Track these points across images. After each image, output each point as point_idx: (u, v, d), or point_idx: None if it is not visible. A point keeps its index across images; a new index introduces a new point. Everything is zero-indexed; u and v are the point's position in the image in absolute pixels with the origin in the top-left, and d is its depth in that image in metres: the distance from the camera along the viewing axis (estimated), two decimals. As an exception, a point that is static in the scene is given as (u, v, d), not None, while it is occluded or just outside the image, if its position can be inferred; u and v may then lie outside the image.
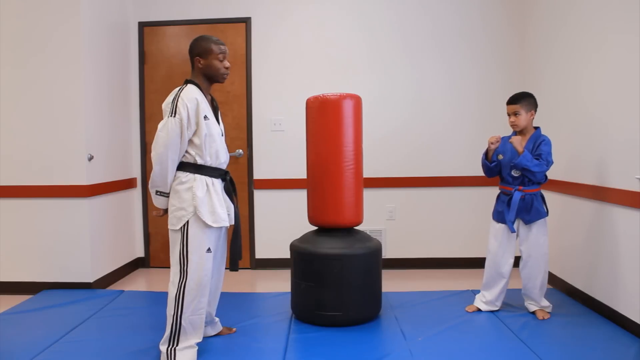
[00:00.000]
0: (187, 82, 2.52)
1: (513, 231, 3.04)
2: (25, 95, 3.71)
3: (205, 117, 2.43)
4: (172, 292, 2.44)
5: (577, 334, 2.82)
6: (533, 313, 3.09)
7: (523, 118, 3.01)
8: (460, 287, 3.70)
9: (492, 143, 3.06)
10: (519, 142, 2.97)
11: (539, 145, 2.98)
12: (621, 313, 2.88)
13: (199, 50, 2.50)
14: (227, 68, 2.55)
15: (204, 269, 2.44)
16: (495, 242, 3.14)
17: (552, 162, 3.02)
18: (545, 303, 3.10)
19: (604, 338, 2.75)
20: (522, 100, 3.02)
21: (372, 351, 2.65)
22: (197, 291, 2.43)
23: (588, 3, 3.22)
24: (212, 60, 2.50)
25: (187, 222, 2.40)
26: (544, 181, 3.05)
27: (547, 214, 3.05)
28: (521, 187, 3.02)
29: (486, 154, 3.13)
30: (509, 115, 3.06)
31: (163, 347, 2.47)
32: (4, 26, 3.69)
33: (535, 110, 3.06)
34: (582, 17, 3.30)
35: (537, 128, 3.07)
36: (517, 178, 3.04)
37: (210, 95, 2.59)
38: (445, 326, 2.95)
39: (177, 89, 2.46)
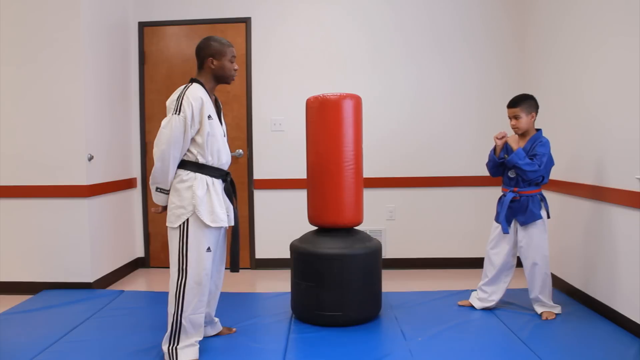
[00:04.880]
0: (192, 80, 2.52)
1: (505, 232, 3.05)
2: (25, 95, 3.71)
3: (209, 116, 2.44)
4: (172, 291, 2.45)
5: (577, 334, 2.82)
6: (540, 314, 3.08)
7: (524, 121, 3.01)
8: (460, 287, 3.70)
9: (498, 139, 3.06)
10: (513, 140, 3.01)
11: (535, 146, 2.99)
12: (621, 313, 2.88)
13: (212, 51, 2.51)
14: (235, 70, 2.59)
15: (203, 268, 2.44)
16: (491, 241, 3.17)
17: (552, 164, 3.02)
18: (550, 304, 3.09)
19: (604, 338, 2.75)
20: (522, 103, 3.01)
21: (372, 351, 2.65)
22: (196, 290, 2.44)
23: (588, 4, 3.22)
24: (224, 61, 2.53)
25: (187, 220, 2.40)
26: (541, 182, 3.04)
27: (542, 216, 3.02)
28: (516, 189, 3.03)
29: (494, 150, 3.13)
30: (510, 118, 3.06)
31: (165, 347, 2.47)
32: (4, 26, 3.69)
33: (537, 112, 3.06)
34: (582, 17, 3.30)
35: (538, 130, 3.07)
36: (513, 179, 3.05)
37: (214, 96, 2.60)
38: (445, 326, 2.95)
39: (182, 87, 2.47)
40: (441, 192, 4.41)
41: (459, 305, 3.29)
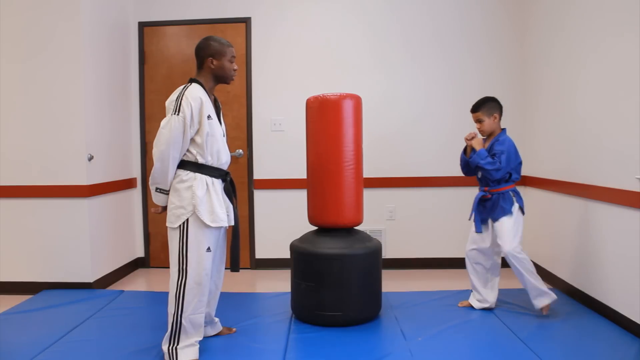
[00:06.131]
0: (191, 80, 2.52)
1: (478, 231, 3.13)
2: (25, 95, 3.71)
3: (208, 116, 2.44)
4: (172, 291, 2.45)
5: (577, 334, 2.83)
6: (541, 309, 3.05)
7: (486, 124, 3.12)
8: (460, 287, 3.70)
9: (468, 139, 3.15)
10: (477, 142, 3.10)
11: (494, 145, 3.07)
12: (621, 313, 2.88)
13: (212, 51, 2.51)
14: (235, 70, 2.59)
15: (203, 268, 2.44)
16: (469, 240, 3.25)
17: (518, 160, 3.08)
18: (544, 289, 3.01)
19: (604, 338, 2.75)
20: (482, 107, 3.12)
21: (372, 351, 2.65)
22: (196, 290, 2.44)
23: (587, 3, 3.23)
24: (224, 61, 2.53)
25: (187, 221, 2.41)
26: (510, 178, 3.07)
27: (512, 212, 3.03)
28: (487, 188, 3.11)
29: (464, 150, 3.21)
30: (475, 122, 3.17)
31: (165, 347, 2.47)
32: (4, 26, 3.69)
33: (500, 113, 3.14)
34: (581, 17, 3.30)
35: (503, 129, 3.15)
36: (483, 179, 3.13)
37: (213, 96, 2.61)
38: (445, 326, 2.96)
39: (182, 87, 2.47)
40: (441, 192, 4.41)
41: (459, 306, 3.29)
